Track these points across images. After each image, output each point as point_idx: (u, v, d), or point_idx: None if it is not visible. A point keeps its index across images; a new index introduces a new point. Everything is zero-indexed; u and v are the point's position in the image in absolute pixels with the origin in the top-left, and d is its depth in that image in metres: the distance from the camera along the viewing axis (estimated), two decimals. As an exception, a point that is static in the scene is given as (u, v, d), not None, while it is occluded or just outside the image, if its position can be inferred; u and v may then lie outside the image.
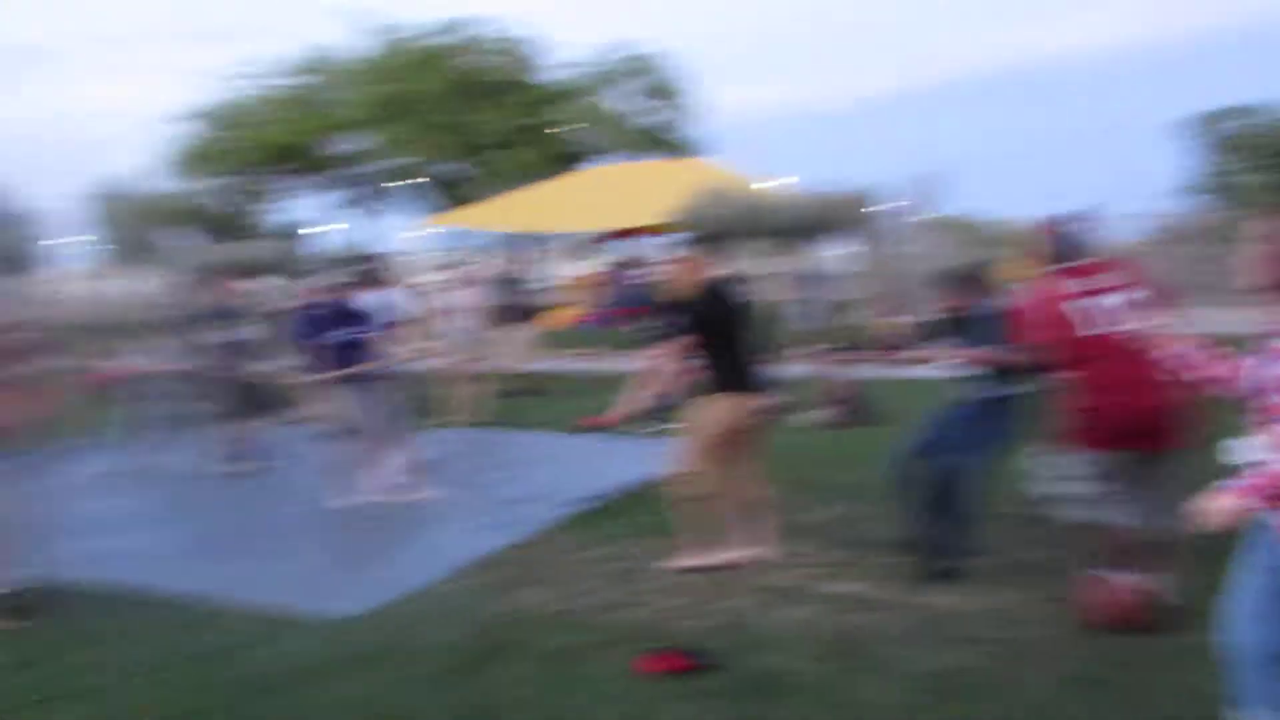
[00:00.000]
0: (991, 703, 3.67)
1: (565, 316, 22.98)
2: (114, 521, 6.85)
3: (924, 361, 6.52)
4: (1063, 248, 4.45)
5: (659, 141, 32.70)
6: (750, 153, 49.95)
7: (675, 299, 5.36)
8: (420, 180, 34.83)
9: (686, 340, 5.17)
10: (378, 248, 30.23)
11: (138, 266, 37.94)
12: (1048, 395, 4.61)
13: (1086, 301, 4.25)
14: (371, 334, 7.18)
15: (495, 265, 15.47)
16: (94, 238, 44.07)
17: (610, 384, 12.19)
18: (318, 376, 7.05)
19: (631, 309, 21.09)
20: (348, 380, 6.96)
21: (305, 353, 7.17)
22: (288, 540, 6.18)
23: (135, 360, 8.69)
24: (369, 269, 9.74)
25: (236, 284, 9.46)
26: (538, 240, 32.40)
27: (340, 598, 5.01)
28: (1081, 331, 4.23)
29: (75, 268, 43.67)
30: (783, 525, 5.64)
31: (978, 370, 5.03)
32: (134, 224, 41.64)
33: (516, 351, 12.26)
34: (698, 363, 5.22)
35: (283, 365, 8.95)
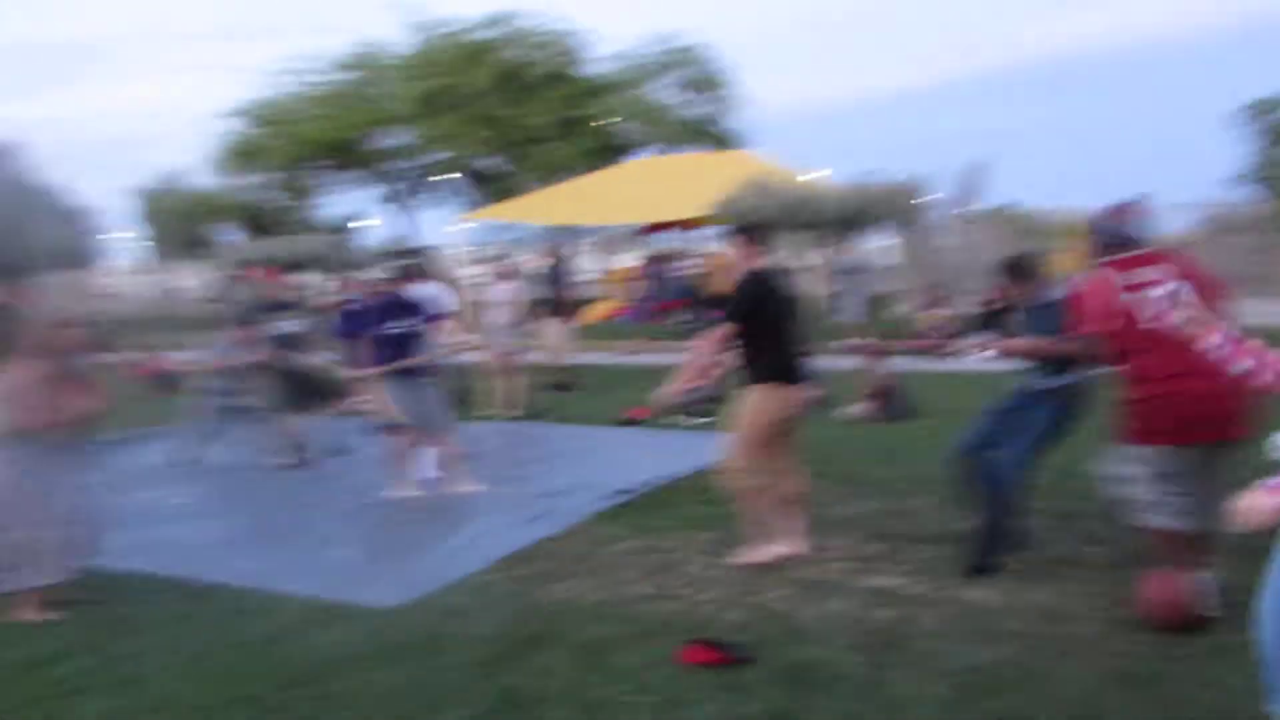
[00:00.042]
0: (1028, 697, 3.65)
1: (605, 310, 23.00)
2: (162, 512, 7.01)
3: (962, 354, 6.45)
4: (1117, 239, 4.38)
5: (702, 133, 32.63)
6: (791, 145, 49.61)
7: (722, 289, 5.35)
8: (463, 174, 35.04)
9: (732, 330, 5.12)
10: (420, 242, 30.54)
11: (186, 262, 38.64)
12: (1104, 386, 4.56)
13: (1141, 293, 4.19)
14: (423, 327, 7.20)
15: (535, 259, 15.56)
16: (143, 233, 44.87)
17: (650, 377, 12.24)
18: (369, 370, 7.07)
19: (672, 302, 21.11)
20: (398, 373, 6.99)
21: (357, 346, 7.20)
22: (331, 531, 6.28)
23: (191, 356, 8.82)
24: (415, 263, 9.85)
25: (286, 277, 9.57)
26: (578, 234, 32.49)
27: (381, 588, 5.08)
28: (1136, 324, 4.18)
29: (127, 263, 44.48)
30: (821, 519, 5.64)
31: (1033, 361, 4.98)
32: (182, 220, 42.36)
33: (556, 345, 12.32)
34: (743, 354, 5.17)
35: (332, 358, 9.07)
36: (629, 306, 22.75)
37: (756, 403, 5.16)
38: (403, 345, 7.04)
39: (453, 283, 13.00)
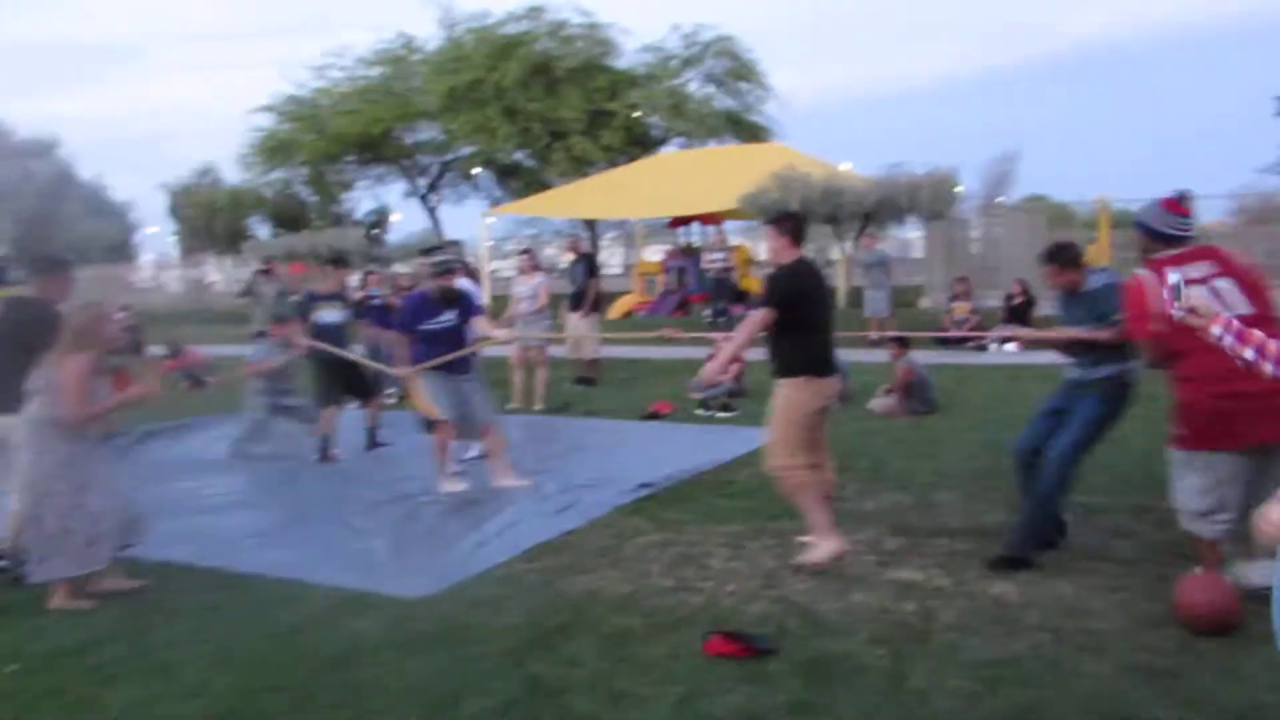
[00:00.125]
0: (1049, 691, 3.67)
1: (631, 303, 23.02)
2: (196, 503, 7.12)
3: (989, 345, 6.44)
4: (1162, 236, 4.34)
5: (736, 125, 32.55)
6: (817, 137, 49.36)
7: (760, 280, 5.34)
8: (496, 167, 35.12)
9: (771, 316, 5.01)
10: (453, 235, 30.63)
11: (214, 256, 39.00)
12: (1147, 378, 4.54)
13: (1190, 290, 4.11)
14: (466, 321, 7.20)
15: (565, 252, 15.59)
16: (173, 228, 45.30)
17: (677, 370, 12.28)
18: (414, 365, 7.10)
19: (698, 295, 21.12)
20: (438, 369, 7.01)
21: (403, 340, 7.25)
22: (362, 523, 6.35)
23: (240, 356, 8.93)
24: (456, 258, 9.90)
25: (328, 271, 9.62)
26: (609, 226, 32.49)
27: (409, 579, 5.16)
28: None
29: (163, 257, 44.96)
30: (844, 512, 5.66)
31: (1075, 353, 4.97)
32: (211, 215, 42.76)
33: (584, 338, 12.37)
34: (776, 344, 5.11)
35: (371, 351, 9.17)
36: (654, 300, 22.77)
37: (793, 396, 5.09)
38: (443, 341, 7.06)
39: (479, 277, 13.07)
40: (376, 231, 32.95)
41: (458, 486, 7.04)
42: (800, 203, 17.86)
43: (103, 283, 30.97)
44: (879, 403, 9.64)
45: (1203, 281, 4.16)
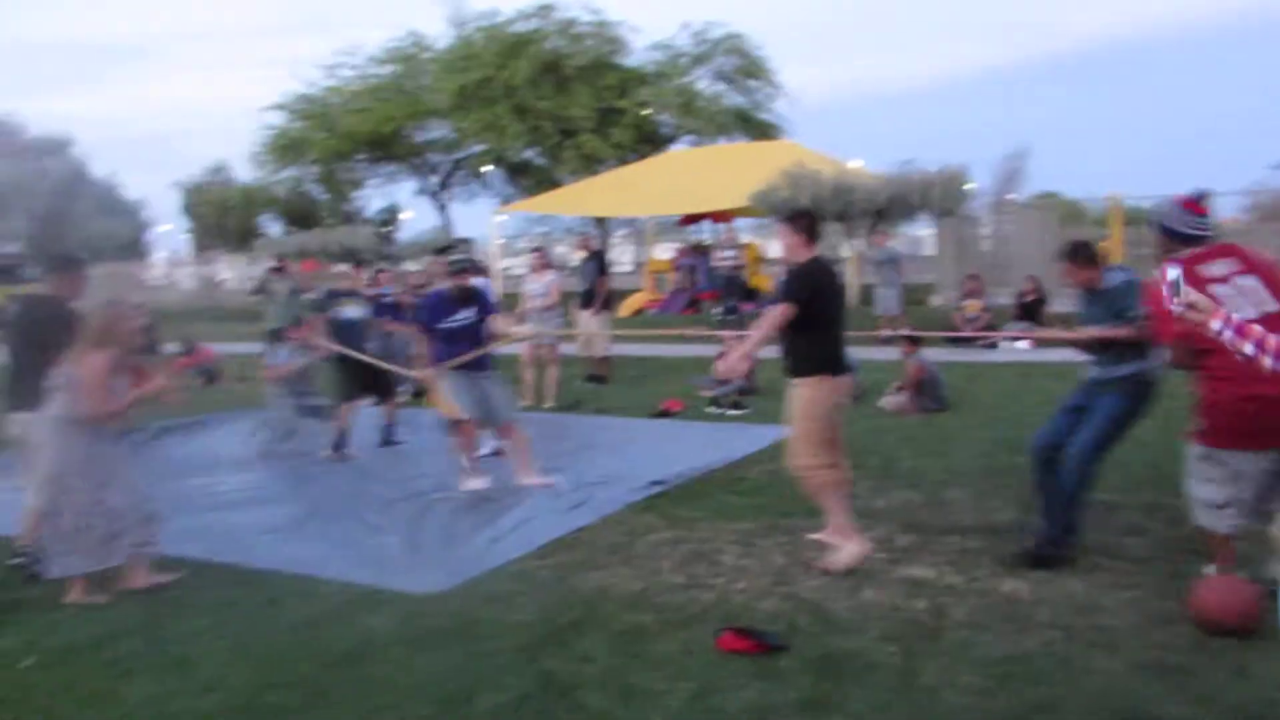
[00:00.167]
0: (1060, 688, 3.67)
1: (641, 301, 23.03)
2: (213, 499, 7.17)
3: (999, 343, 6.43)
4: (1181, 235, 4.30)
5: (746, 122, 32.52)
6: (826, 134, 49.27)
7: (771, 277, 5.32)
8: (506, 165, 35.17)
9: (791, 311, 4.98)
10: (464, 233, 30.69)
11: (226, 254, 39.16)
12: (1167, 376, 4.52)
13: (1208, 290, 4.02)
14: (484, 318, 7.21)
15: (576, 249, 15.62)
16: (185, 226, 45.48)
17: (688, 368, 12.29)
18: (435, 363, 7.12)
19: (708, 293, 21.11)
20: (458, 367, 7.03)
21: (423, 338, 7.28)
22: (376, 520, 6.38)
23: (275, 360, 8.98)
24: (471, 256, 9.94)
25: (343, 269, 9.70)
26: (619, 224, 32.47)
27: (423, 575, 5.19)
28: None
29: (175, 255, 45.19)
30: (855, 509, 5.65)
31: (1094, 352, 4.96)
32: (223, 213, 42.95)
33: (595, 336, 12.40)
34: (792, 342, 5.10)
35: (383, 348, 9.21)
36: (665, 297, 22.77)
37: (812, 395, 5.08)
38: (463, 338, 7.09)
39: (497, 273, 13.11)
40: (387, 229, 33.05)
41: (479, 484, 7.07)
42: (811, 200, 17.83)
43: (115, 280, 31.13)
44: (890, 400, 9.64)
45: (1225, 279, 4.13)
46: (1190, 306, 3.32)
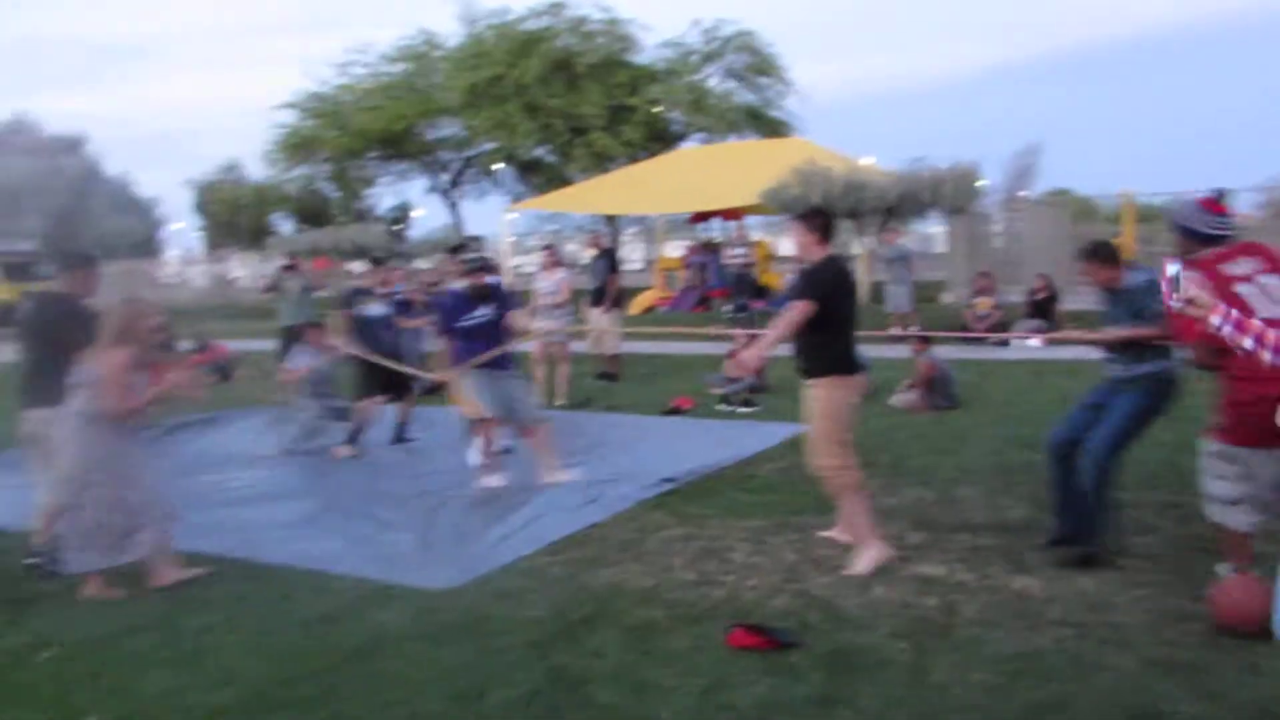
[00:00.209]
0: (1072, 685, 3.67)
1: (651, 299, 23.04)
2: (227, 495, 7.22)
3: (1010, 340, 6.42)
4: (1202, 235, 4.28)
5: (757, 119, 32.49)
6: (838, 131, 49.17)
7: (783, 275, 5.30)
8: (517, 163, 35.23)
9: (809, 308, 4.95)
10: (475, 231, 30.76)
11: (238, 252, 39.33)
12: (1187, 375, 4.50)
13: (1230, 289, 4.02)
14: (504, 315, 7.21)
15: (586, 247, 15.65)
16: (197, 224, 45.69)
17: (698, 366, 12.30)
18: (455, 361, 7.14)
19: (722, 290, 21.11)
20: (479, 365, 7.05)
21: (443, 336, 7.30)
22: (388, 516, 6.41)
23: (298, 361, 9.02)
24: (483, 254, 9.95)
25: (374, 269, 9.72)
26: (630, 222, 32.47)
27: (435, 571, 5.22)
28: None
29: (188, 252, 45.41)
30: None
31: (1120, 349, 4.93)
32: (235, 211, 43.13)
33: (606, 333, 12.41)
34: (807, 341, 5.08)
35: (393, 345, 9.25)
36: (675, 295, 22.78)
37: (830, 395, 5.06)
38: (482, 336, 7.10)
39: (500, 273, 13.14)
40: (399, 227, 33.13)
41: (496, 481, 7.10)
42: (822, 197, 17.80)
43: (129, 278, 31.29)
44: (901, 398, 9.63)
45: (1248, 279, 4.10)
46: (1189, 302, 3.30)
